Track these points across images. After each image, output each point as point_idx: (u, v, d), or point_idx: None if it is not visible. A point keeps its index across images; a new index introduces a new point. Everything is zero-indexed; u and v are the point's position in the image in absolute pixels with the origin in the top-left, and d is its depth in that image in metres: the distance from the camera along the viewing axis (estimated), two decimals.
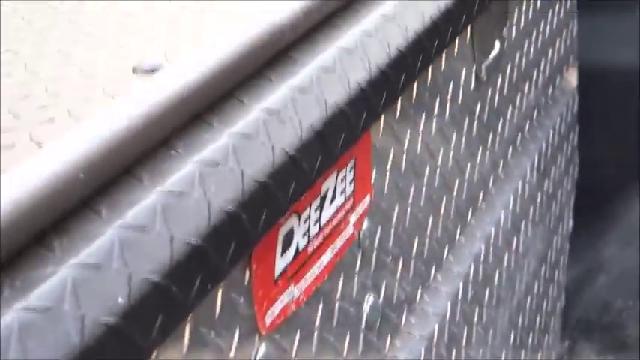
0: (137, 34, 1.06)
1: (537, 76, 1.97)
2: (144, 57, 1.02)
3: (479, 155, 1.65)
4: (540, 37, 1.97)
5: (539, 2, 1.94)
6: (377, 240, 1.27)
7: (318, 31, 1.10)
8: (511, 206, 1.80)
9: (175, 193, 0.79)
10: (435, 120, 1.42)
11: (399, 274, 1.35)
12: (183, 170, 0.82)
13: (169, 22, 1.10)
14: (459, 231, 1.58)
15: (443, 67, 1.43)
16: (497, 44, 1.69)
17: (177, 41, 1.05)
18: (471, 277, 1.58)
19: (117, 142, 0.79)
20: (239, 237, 0.84)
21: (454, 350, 1.53)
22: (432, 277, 1.48)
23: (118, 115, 0.82)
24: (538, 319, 2.08)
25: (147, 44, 1.04)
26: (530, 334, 2.02)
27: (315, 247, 1.10)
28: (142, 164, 0.82)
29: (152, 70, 0.98)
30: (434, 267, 1.48)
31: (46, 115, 0.88)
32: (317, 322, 1.13)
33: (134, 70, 0.99)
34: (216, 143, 0.86)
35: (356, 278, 1.22)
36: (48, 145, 0.77)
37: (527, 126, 1.92)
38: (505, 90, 1.76)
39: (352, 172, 1.16)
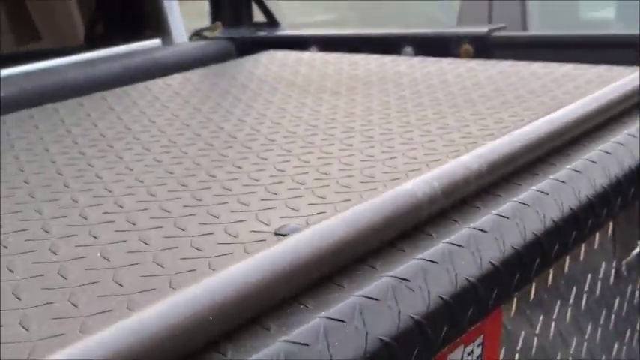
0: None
1: None
2: (286, 222, 1.04)
3: (614, 349, 1.58)
4: None
5: None
6: None
7: (454, 210, 1.10)
8: None
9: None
10: (569, 308, 1.38)
11: None
12: (308, 325, 0.81)
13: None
14: None
15: (582, 258, 1.40)
16: (639, 242, 1.64)
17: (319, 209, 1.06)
18: None
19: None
20: None
21: None
22: None
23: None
24: None
25: (289, 211, 1.06)
26: None
27: None
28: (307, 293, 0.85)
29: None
30: None
31: (188, 265, 0.90)
32: None
33: (275, 234, 1.01)
34: (345, 302, 0.86)
35: None
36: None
37: None
38: None
39: (480, 348, 1.13)
